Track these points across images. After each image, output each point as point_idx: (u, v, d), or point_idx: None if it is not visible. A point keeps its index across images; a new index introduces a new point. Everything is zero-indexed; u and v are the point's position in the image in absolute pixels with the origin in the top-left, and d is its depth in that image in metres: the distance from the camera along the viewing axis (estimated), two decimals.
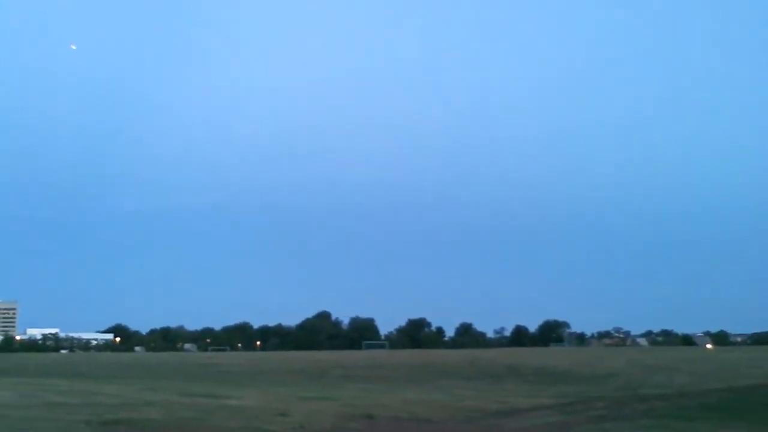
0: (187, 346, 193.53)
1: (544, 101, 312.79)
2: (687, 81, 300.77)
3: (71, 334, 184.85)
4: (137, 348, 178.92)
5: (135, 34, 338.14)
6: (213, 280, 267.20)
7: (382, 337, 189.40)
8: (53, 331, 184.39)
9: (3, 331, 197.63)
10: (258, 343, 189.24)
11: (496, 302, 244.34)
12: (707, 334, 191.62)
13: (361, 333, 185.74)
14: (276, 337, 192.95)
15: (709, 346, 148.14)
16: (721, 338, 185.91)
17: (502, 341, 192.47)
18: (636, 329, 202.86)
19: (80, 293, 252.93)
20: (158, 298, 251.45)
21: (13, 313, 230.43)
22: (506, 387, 42.34)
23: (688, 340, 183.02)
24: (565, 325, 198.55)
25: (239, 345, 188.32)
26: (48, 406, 22.84)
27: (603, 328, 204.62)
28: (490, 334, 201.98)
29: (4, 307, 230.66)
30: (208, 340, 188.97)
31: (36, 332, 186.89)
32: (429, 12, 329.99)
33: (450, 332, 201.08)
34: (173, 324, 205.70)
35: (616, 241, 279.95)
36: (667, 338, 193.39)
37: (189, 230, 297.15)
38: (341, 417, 22.92)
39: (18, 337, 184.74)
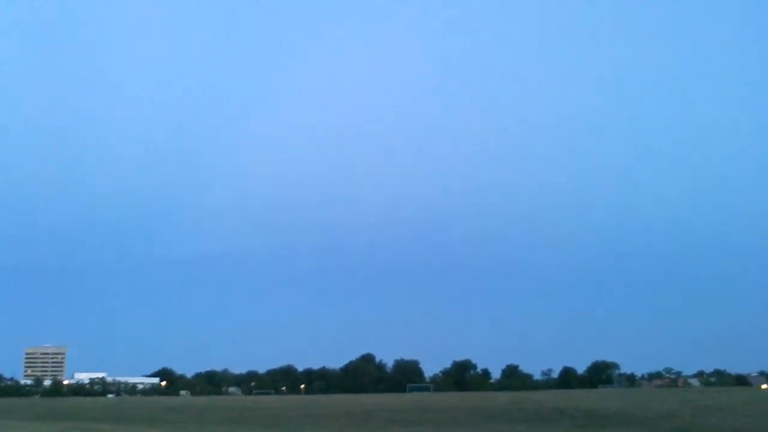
0: (231, 389, 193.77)
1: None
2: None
3: (118, 378, 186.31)
4: (182, 392, 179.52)
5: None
6: (257, 324, 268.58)
7: (427, 380, 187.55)
8: (100, 375, 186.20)
9: (52, 375, 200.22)
10: (302, 386, 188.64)
11: (543, 343, 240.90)
12: (762, 373, 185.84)
13: (406, 375, 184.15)
14: (320, 380, 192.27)
15: (764, 386, 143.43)
16: None
17: (549, 383, 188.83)
18: (687, 369, 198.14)
19: (127, 338, 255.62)
20: (203, 342, 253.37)
21: (62, 358, 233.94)
22: (555, 430, 41.35)
23: (741, 380, 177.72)
24: (614, 365, 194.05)
25: (283, 388, 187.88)
26: None
27: (653, 368, 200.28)
28: (537, 376, 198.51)
29: (53, 351, 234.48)
30: (253, 384, 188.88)
31: (83, 376, 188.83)
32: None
33: (496, 374, 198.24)
34: (218, 367, 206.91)
35: (666, 278, 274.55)
36: (720, 378, 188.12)
37: (234, 274, 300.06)
38: None
39: (66, 382, 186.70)
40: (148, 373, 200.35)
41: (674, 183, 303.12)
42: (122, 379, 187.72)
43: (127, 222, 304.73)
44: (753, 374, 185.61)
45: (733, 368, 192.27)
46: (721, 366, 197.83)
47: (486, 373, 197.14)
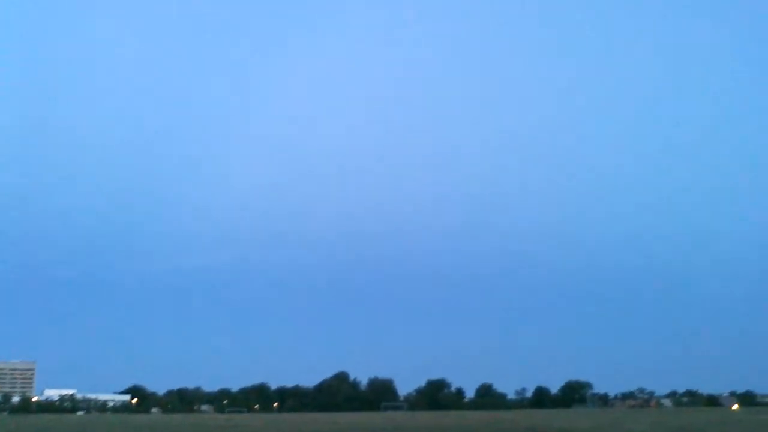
0: (204, 407, 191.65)
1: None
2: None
3: (88, 395, 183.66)
4: (154, 409, 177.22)
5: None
6: (231, 340, 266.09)
7: (401, 398, 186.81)
8: (70, 392, 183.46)
9: (21, 391, 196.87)
10: (275, 404, 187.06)
11: (517, 362, 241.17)
12: (733, 394, 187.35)
13: (380, 394, 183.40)
14: (293, 399, 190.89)
15: (735, 406, 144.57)
16: (747, 399, 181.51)
17: (523, 403, 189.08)
18: (660, 390, 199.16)
19: (98, 354, 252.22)
20: (176, 359, 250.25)
21: (31, 374, 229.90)
22: None
23: (713, 401, 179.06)
24: (588, 385, 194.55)
25: (256, 406, 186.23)
26: None
27: (627, 388, 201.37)
28: (511, 395, 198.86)
29: (22, 367, 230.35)
30: (226, 402, 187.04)
31: (53, 393, 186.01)
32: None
33: (470, 393, 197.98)
34: (190, 385, 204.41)
35: (640, 299, 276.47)
36: (692, 398, 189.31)
37: (207, 290, 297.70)
38: None
39: (35, 398, 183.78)
40: (120, 390, 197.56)
41: (642, 205, 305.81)
42: (93, 395, 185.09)
43: (98, 237, 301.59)
44: (724, 395, 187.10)
45: (705, 389, 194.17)
46: (693, 386, 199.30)
47: (460, 392, 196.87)
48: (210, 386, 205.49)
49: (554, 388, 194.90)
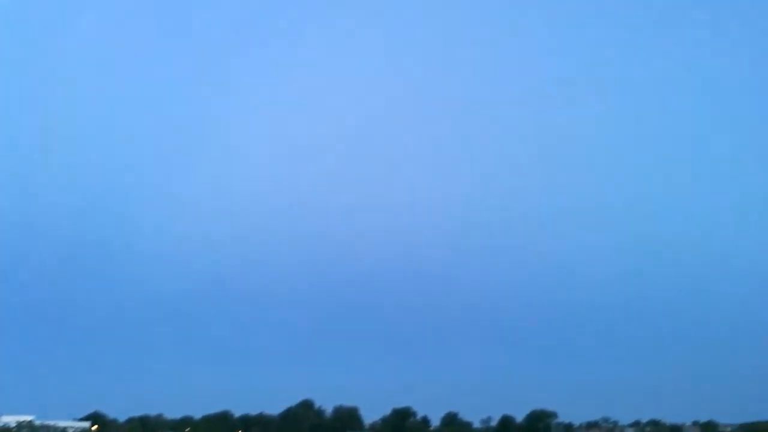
0: None
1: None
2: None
3: (47, 422, 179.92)
4: None
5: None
6: (193, 366, 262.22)
7: (366, 427, 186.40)
8: (28, 418, 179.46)
9: None
10: None
11: (484, 390, 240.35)
12: (696, 423, 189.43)
13: (345, 422, 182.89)
14: (257, 427, 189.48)
15: None
16: (710, 428, 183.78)
17: (488, 431, 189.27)
18: (624, 419, 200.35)
19: (57, 379, 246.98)
20: (137, 385, 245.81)
21: None
22: None
23: (676, 430, 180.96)
24: (553, 414, 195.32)
25: None
26: None
27: (592, 417, 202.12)
28: (477, 424, 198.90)
29: None
30: (188, 429, 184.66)
31: (10, 419, 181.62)
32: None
33: (435, 421, 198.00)
34: (152, 411, 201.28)
35: (605, 328, 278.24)
36: (656, 428, 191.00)
37: (169, 315, 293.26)
38: None
39: None
40: (79, 417, 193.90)
41: (604, 236, 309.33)
42: (51, 422, 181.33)
43: (57, 259, 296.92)
44: (687, 424, 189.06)
45: (669, 418, 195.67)
46: (656, 416, 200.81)
47: (426, 421, 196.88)
48: (172, 413, 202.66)
49: (519, 417, 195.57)
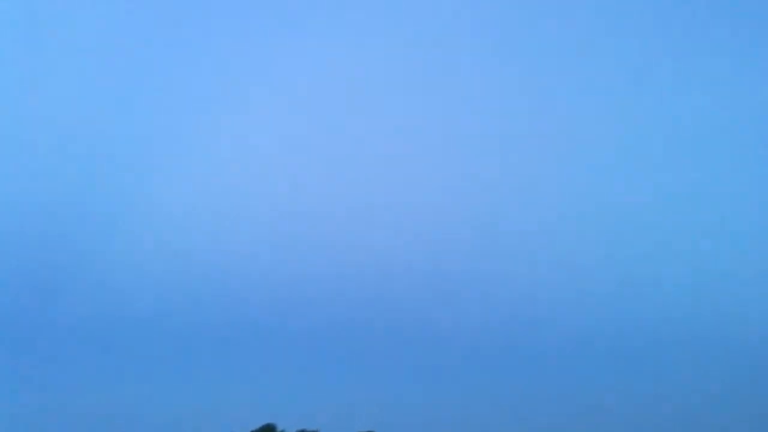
0: None
1: None
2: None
3: None
4: None
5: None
6: (150, 391, 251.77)
7: None
8: None
9: None
10: None
11: (448, 412, 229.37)
12: None
13: None
14: None
15: None
16: None
17: None
18: None
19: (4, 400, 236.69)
20: (90, 409, 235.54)
21: None
22: None
23: None
24: None
25: None
26: None
27: None
28: None
29: None
30: None
31: None
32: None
33: None
34: None
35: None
36: None
37: (130, 337, 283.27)
38: None
39: None
40: None
41: (569, 255, 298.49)
42: None
43: (20, 280, 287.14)
44: None
45: None
46: None
47: None
48: None
49: None
